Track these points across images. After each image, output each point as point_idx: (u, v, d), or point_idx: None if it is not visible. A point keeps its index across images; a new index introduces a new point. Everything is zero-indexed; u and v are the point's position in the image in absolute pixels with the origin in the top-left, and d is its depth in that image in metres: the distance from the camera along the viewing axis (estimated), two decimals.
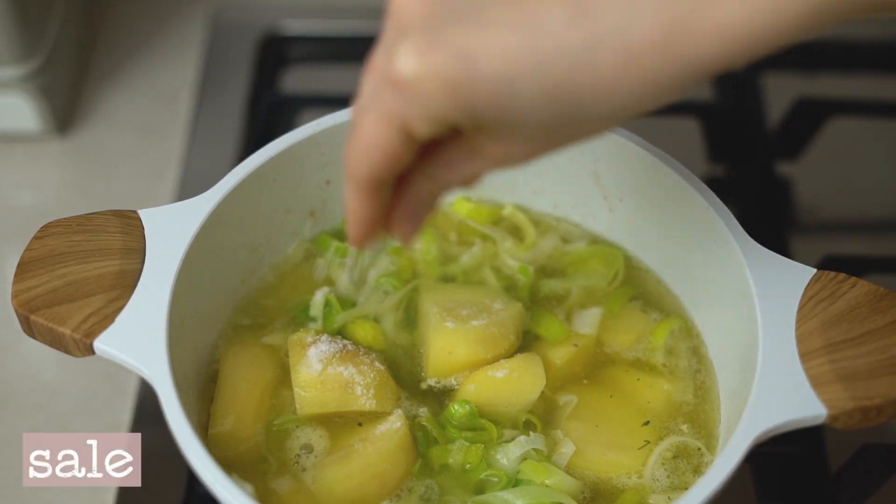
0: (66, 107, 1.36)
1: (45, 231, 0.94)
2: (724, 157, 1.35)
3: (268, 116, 1.33)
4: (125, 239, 0.93)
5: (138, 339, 0.88)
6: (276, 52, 1.44)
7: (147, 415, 1.09)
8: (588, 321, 1.02)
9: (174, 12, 1.48)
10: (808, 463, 1.08)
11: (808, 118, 1.33)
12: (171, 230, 0.94)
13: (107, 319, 0.88)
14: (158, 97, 1.40)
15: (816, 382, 0.86)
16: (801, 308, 0.90)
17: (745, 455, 0.83)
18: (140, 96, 1.40)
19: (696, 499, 0.81)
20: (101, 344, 0.88)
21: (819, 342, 0.88)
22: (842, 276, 0.92)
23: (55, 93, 1.32)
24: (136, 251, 0.92)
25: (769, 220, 1.25)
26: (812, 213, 1.33)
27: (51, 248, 0.92)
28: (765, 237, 0.98)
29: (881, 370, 0.86)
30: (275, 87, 1.42)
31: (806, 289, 0.91)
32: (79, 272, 0.91)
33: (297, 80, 1.43)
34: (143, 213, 0.95)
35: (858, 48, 1.47)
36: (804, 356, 0.87)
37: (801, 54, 1.45)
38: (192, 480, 1.04)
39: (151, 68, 1.43)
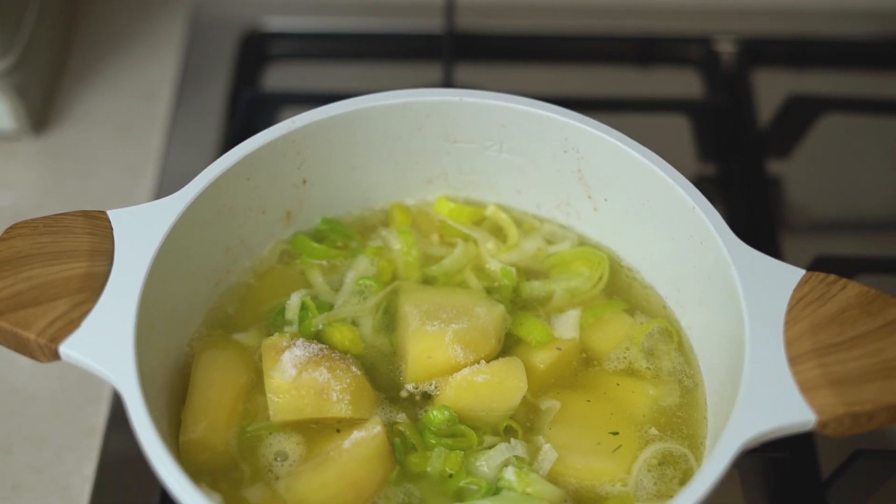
0: (41, 105, 1.33)
1: (11, 232, 0.91)
2: (713, 156, 1.33)
3: (248, 114, 1.31)
4: (93, 240, 0.90)
5: (105, 345, 0.85)
6: (256, 49, 1.42)
7: (122, 420, 1.06)
8: (568, 324, 0.99)
9: (153, 9, 1.46)
10: (798, 469, 1.05)
11: (799, 115, 1.30)
12: (140, 231, 0.91)
13: (73, 324, 0.86)
14: (136, 95, 1.37)
15: (806, 387, 0.83)
16: (789, 310, 0.87)
17: (732, 462, 0.81)
18: (118, 94, 1.38)
19: None
20: (66, 349, 0.85)
21: (808, 345, 0.85)
22: (832, 277, 0.89)
23: (30, 91, 1.29)
24: (104, 253, 0.89)
25: (759, 219, 1.23)
26: (803, 212, 1.31)
27: (17, 249, 0.90)
28: (755, 237, 0.96)
29: (873, 374, 0.84)
30: (255, 84, 1.40)
31: (795, 290, 0.88)
32: (45, 275, 0.88)
33: (277, 78, 1.41)
34: (112, 214, 0.92)
35: (851, 45, 1.45)
36: (793, 360, 0.85)
37: (792, 50, 1.44)
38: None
39: (129, 66, 1.41)
